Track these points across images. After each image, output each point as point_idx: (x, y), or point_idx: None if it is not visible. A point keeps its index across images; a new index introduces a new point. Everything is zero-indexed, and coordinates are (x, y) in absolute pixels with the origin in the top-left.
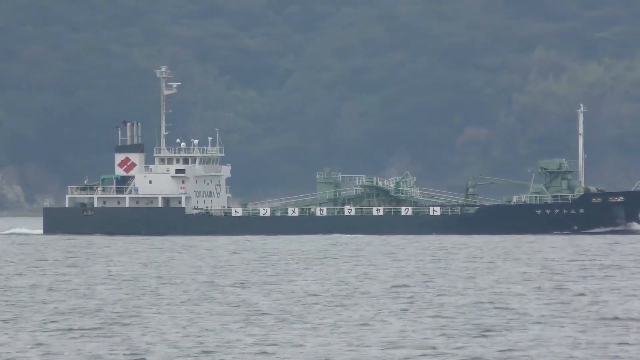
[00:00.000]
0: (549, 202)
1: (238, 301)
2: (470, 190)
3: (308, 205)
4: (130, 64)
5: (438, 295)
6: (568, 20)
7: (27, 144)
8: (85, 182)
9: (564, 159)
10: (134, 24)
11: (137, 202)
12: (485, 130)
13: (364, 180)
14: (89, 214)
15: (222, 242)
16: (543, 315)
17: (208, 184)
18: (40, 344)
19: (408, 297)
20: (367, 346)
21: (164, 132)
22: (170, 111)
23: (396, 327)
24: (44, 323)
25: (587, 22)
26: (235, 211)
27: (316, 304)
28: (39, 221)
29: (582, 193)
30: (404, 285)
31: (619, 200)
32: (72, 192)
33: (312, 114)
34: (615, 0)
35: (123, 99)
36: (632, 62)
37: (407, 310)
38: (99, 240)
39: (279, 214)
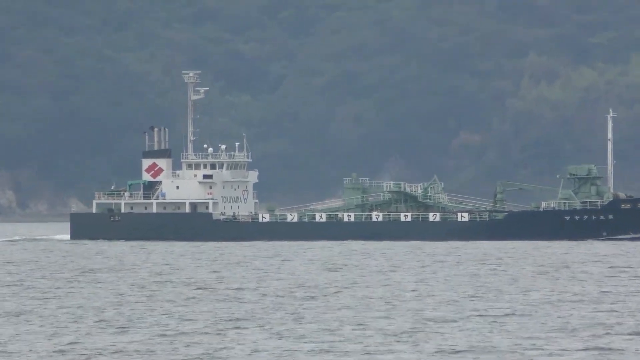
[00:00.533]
0: (577, 208)
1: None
2: (499, 196)
3: (335, 210)
4: (123, 68)
5: None
6: (560, 25)
7: (20, 149)
8: (113, 187)
9: (593, 165)
10: (127, 28)
11: (165, 208)
12: (479, 135)
13: (391, 186)
14: (116, 219)
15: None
16: None
17: (235, 189)
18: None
19: None
20: None
21: (191, 137)
22: (198, 116)
23: None
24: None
25: (580, 27)
26: (263, 217)
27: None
28: (36, 226)
29: (611, 199)
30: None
31: None
32: (99, 197)
33: (305, 119)
34: (607, 5)
35: (116, 104)
36: (626, 67)
37: None
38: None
39: (306, 219)
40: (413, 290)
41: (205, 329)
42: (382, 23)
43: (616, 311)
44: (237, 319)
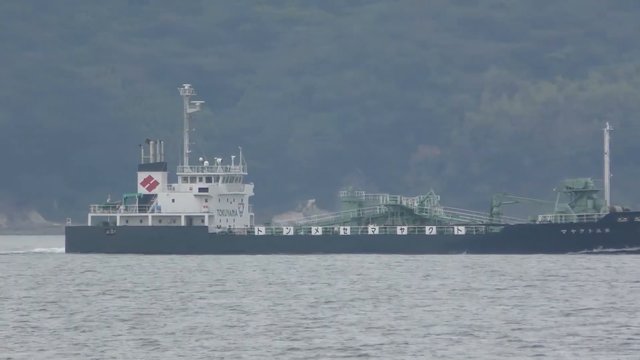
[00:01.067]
0: (574, 221)
1: None
2: (495, 209)
3: (332, 224)
4: (82, 82)
5: None
6: (519, 40)
7: None
8: (108, 200)
9: (589, 179)
10: (87, 42)
11: (160, 221)
12: (439, 150)
13: (387, 199)
14: (112, 232)
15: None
16: None
17: (231, 202)
18: None
19: None
20: None
21: (186, 151)
22: (194, 129)
23: None
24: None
25: (538, 42)
26: (259, 230)
27: None
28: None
29: (607, 212)
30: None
31: None
32: (94, 210)
33: (265, 133)
34: (565, 21)
35: (75, 118)
36: (584, 82)
37: None
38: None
39: (302, 233)
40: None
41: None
42: (341, 38)
43: None
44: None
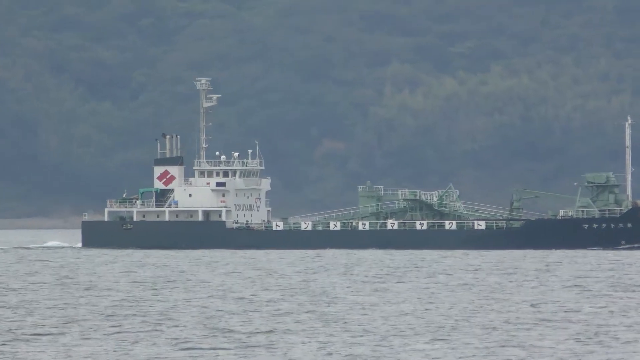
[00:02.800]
0: (596, 216)
1: None
2: (515, 204)
3: (350, 219)
4: None
5: None
6: (422, 34)
7: None
8: (124, 195)
9: (611, 173)
10: None
11: (177, 216)
12: (343, 144)
13: (406, 194)
14: (128, 227)
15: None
16: None
17: (248, 197)
18: None
19: None
20: None
21: (203, 145)
22: (210, 124)
23: None
24: None
25: (440, 36)
26: (276, 225)
27: None
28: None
29: (630, 207)
30: None
31: None
32: (111, 205)
33: (167, 127)
34: (467, 15)
35: None
36: (486, 76)
37: None
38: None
39: (320, 228)
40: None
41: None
42: (243, 32)
43: None
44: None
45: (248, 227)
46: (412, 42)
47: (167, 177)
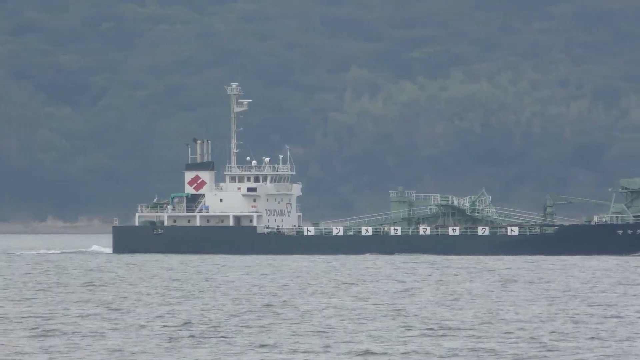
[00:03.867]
0: (630, 222)
1: None
2: (549, 209)
3: (382, 224)
4: None
5: None
6: (382, 40)
7: None
8: (155, 200)
9: None
10: None
11: (208, 221)
12: (303, 149)
13: (438, 199)
14: (159, 232)
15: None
16: None
17: (279, 202)
18: None
19: None
20: None
21: (234, 150)
22: (241, 129)
23: None
24: None
25: (400, 42)
26: (308, 230)
27: None
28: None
29: None
30: None
31: None
32: (142, 210)
33: (127, 132)
34: (426, 21)
35: None
36: (446, 82)
37: None
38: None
39: (352, 233)
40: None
41: None
42: (205, 37)
43: None
44: None
45: (279, 232)
46: (372, 47)
47: (198, 182)
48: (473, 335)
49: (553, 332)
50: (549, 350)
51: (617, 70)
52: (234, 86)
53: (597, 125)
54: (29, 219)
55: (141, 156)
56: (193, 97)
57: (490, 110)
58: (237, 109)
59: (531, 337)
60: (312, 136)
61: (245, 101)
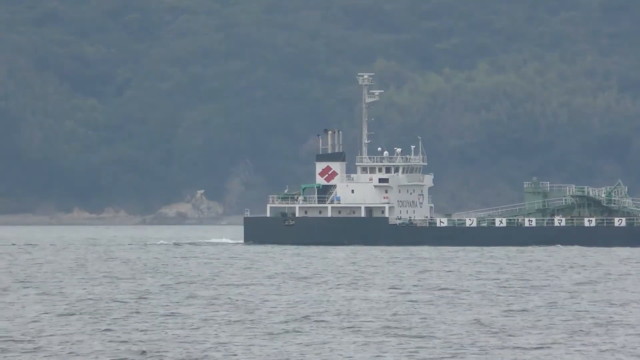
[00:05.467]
0: None
1: None
2: None
3: (516, 215)
4: None
5: None
6: (407, 31)
7: None
8: (286, 191)
9: None
10: None
11: (340, 212)
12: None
13: (574, 190)
14: (290, 223)
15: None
16: None
17: (411, 193)
18: None
19: None
20: None
21: (365, 141)
22: (373, 119)
23: None
24: None
25: (425, 33)
26: (440, 221)
27: None
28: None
29: None
30: None
31: None
32: (273, 201)
33: (152, 123)
34: (451, 12)
35: None
36: (472, 73)
37: None
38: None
39: (485, 224)
40: None
41: None
42: (227, 28)
43: None
44: None
45: (411, 223)
46: (397, 38)
47: (329, 173)
48: None
49: None
50: None
51: None
52: (365, 76)
53: (623, 115)
54: (55, 210)
55: (165, 147)
56: (215, 88)
57: (517, 101)
58: (369, 100)
59: None
60: (338, 127)
61: (377, 92)
